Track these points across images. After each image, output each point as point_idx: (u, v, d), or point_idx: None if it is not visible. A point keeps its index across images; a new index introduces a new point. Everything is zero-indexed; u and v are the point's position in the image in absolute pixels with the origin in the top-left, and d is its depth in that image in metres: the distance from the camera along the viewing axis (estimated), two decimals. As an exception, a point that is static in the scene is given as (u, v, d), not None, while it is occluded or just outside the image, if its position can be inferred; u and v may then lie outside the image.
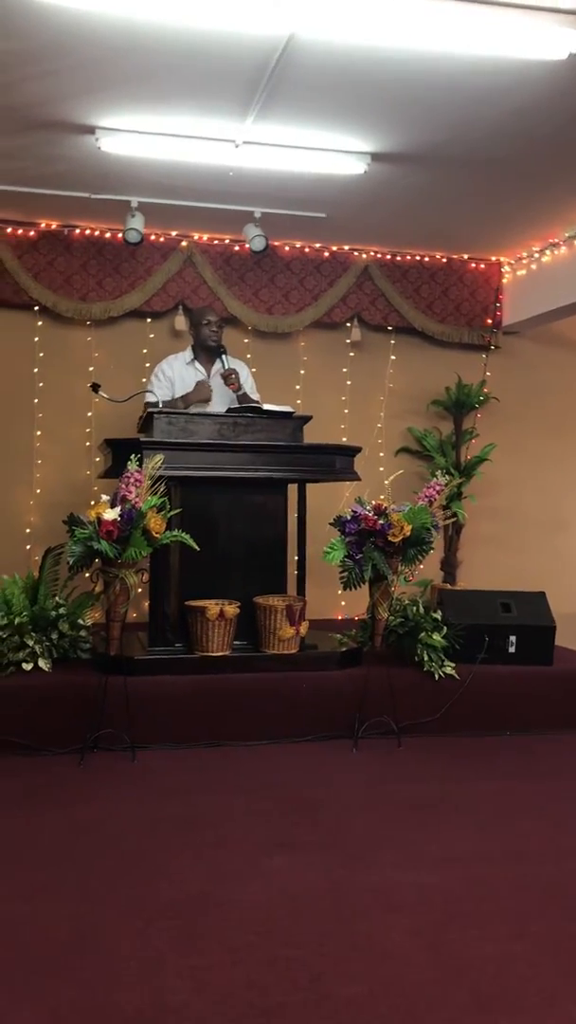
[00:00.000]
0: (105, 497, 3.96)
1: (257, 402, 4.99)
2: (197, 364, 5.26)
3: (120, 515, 3.82)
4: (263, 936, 2.43)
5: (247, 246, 5.59)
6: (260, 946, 2.37)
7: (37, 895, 2.66)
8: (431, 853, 3.03)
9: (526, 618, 4.74)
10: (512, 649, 4.68)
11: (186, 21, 3.43)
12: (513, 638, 4.69)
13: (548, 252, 6.19)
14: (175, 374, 5.21)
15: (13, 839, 3.08)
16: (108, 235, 6.02)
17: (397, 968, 2.27)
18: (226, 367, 5.08)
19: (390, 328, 6.63)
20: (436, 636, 4.51)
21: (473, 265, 6.66)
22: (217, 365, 5.18)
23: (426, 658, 4.47)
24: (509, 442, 6.73)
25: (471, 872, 2.88)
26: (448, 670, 4.48)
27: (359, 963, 2.30)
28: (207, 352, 5.25)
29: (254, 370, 5.67)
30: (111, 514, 3.82)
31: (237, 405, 4.98)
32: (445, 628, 4.56)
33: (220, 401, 5.12)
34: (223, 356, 5.14)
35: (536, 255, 6.32)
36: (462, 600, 4.87)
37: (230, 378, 5.04)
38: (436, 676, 4.45)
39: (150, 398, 5.05)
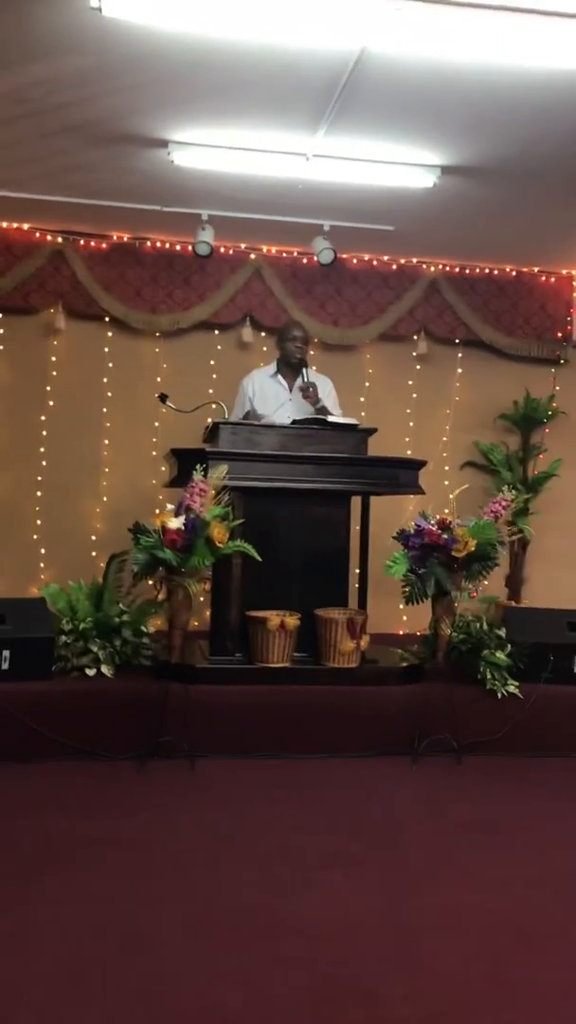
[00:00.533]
0: (170, 506, 3.99)
1: (334, 416, 5.02)
2: (280, 378, 5.34)
3: (184, 524, 3.85)
4: (318, 951, 2.41)
5: (315, 259, 5.60)
6: (315, 961, 2.35)
7: (93, 900, 2.68)
8: (491, 874, 2.97)
9: (593, 638, 4.63)
10: (578, 669, 4.59)
11: (258, 36, 3.46)
12: (579, 658, 4.59)
13: (621, 265, 6.09)
14: (255, 387, 5.29)
15: (71, 843, 3.11)
16: (178, 247, 6.10)
17: (455, 991, 2.23)
18: (306, 380, 5.13)
19: (457, 341, 6.58)
20: (500, 654, 4.44)
21: (544, 278, 6.58)
22: (299, 380, 5.23)
23: (489, 676, 4.40)
24: (578, 458, 6.61)
25: (533, 895, 2.82)
26: (511, 688, 4.40)
27: (415, 984, 2.26)
28: (291, 367, 5.33)
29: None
30: (175, 523, 3.85)
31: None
32: (509, 646, 4.49)
33: (299, 414, 5.12)
34: (304, 370, 5.20)
35: (609, 268, 6.21)
36: (527, 618, 4.79)
37: (307, 391, 5.09)
38: (499, 694, 4.37)
39: (237, 413, 5.14)
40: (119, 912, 2.60)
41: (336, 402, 5.32)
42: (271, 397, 5.24)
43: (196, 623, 5.32)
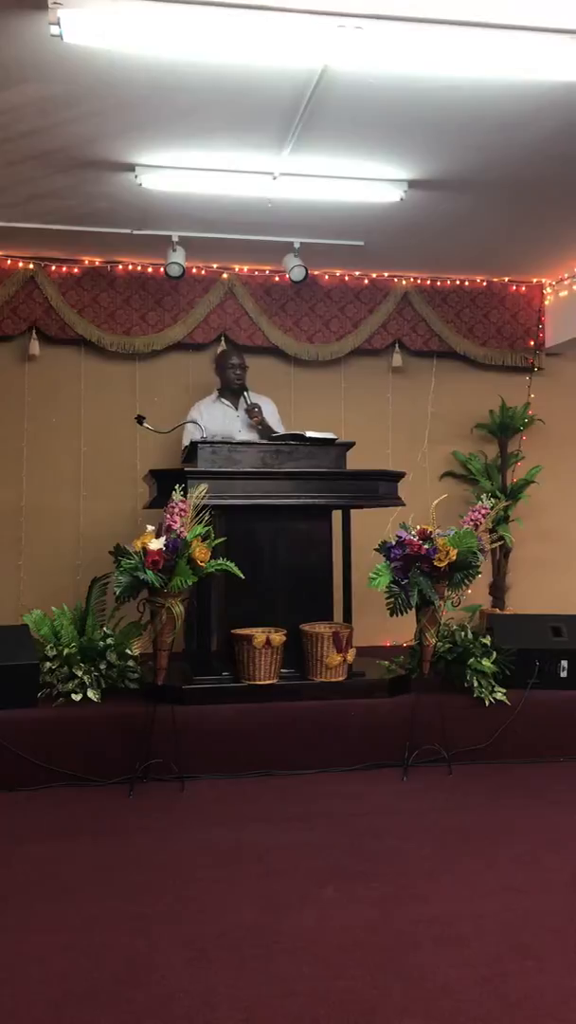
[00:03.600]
0: (151, 527, 3.98)
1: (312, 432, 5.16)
2: (223, 400, 5.61)
3: (165, 545, 3.84)
4: (315, 968, 2.39)
5: (287, 276, 5.63)
6: (312, 978, 2.34)
7: (87, 926, 2.66)
8: (485, 883, 2.97)
9: (578, 642, 4.65)
10: (564, 674, 4.60)
11: (220, 58, 3.48)
12: (565, 663, 4.60)
13: (590, 272, 6.15)
14: (203, 412, 5.55)
15: (64, 870, 3.08)
16: (150, 270, 6.12)
17: (452, 1001, 2.23)
18: (249, 403, 5.40)
19: (432, 353, 6.62)
20: (486, 661, 4.45)
21: (514, 288, 6.64)
22: (242, 402, 5.50)
23: (476, 684, 4.41)
24: (556, 464, 6.65)
25: (527, 903, 2.82)
26: (499, 696, 4.41)
27: (413, 996, 2.25)
28: (232, 391, 5.59)
29: (295, 398, 5.67)
30: (156, 544, 3.84)
31: (260, 438, 5.25)
32: (495, 653, 4.50)
33: (248, 431, 5.42)
34: (246, 393, 5.48)
35: (578, 275, 6.28)
36: (512, 625, 4.80)
37: (253, 411, 5.36)
38: (486, 702, 4.38)
39: (195, 435, 5.21)
40: (115, 937, 2.58)
41: (279, 420, 5.60)
42: (219, 417, 5.50)
43: (182, 644, 5.30)
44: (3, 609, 5.83)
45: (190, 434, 5.32)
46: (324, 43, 3.28)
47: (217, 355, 5.93)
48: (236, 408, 5.53)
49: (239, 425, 5.44)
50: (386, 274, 6.44)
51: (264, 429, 5.34)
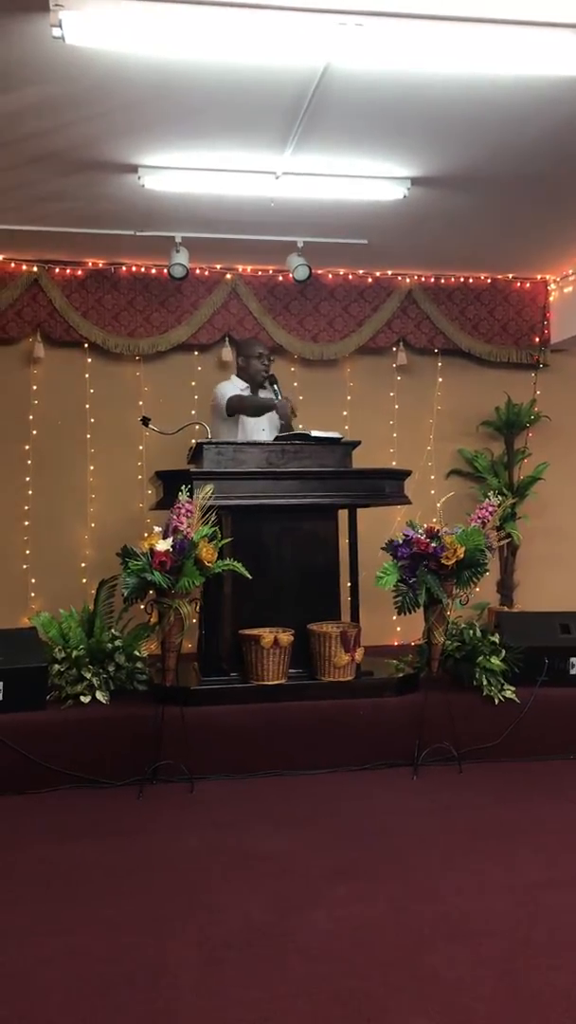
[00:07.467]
0: (158, 528, 3.98)
1: (292, 429, 5.13)
2: (250, 391, 5.33)
3: (172, 546, 3.84)
4: (327, 968, 2.39)
5: (291, 276, 5.63)
6: (324, 978, 2.33)
7: (99, 928, 2.65)
8: (497, 881, 2.96)
9: (586, 639, 4.64)
10: (573, 671, 4.59)
11: (222, 58, 3.49)
12: (574, 660, 4.59)
13: (594, 268, 6.14)
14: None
15: (74, 872, 3.08)
16: (154, 271, 6.13)
17: (465, 1000, 2.22)
18: (280, 395, 5.17)
19: (436, 351, 6.61)
20: (494, 659, 4.44)
21: (518, 284, 6.63)
22: (272, 394, 5.26)
23: (485, 682, 4.39)
24: (563, 460, 6.64)
25: (539, 900, 2.80)
26: (508, 694, 4.39)
27: (426, 995, 2.24)
28: (255, 382, 5.33)
29: (301, 398, 5.64)
30: (163, 545, 3.84)
31: (282, 433, 5.10)
32: (503, 651, 4.49)
33: (271, 430, 5.25)
34: (276, 385, 5.23)
35: (582, 271, 6.27)
36: (520, 622, 4.79)
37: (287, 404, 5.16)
38: (496, 700, 4.37)
39: (221, 402, 5.14)
40: (127, 939, 2.58)
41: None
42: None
43: (190, 644, 5.31)
44: (12, 612, 5.85)
45: (224, 397, 5.14)
46: (325, 41, 3.28)
47: (241, 343, 5.65)
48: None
49: (263, 421, 5.24)
50: (390, 272, 6.43)
51: (284, 425, 5.17)
